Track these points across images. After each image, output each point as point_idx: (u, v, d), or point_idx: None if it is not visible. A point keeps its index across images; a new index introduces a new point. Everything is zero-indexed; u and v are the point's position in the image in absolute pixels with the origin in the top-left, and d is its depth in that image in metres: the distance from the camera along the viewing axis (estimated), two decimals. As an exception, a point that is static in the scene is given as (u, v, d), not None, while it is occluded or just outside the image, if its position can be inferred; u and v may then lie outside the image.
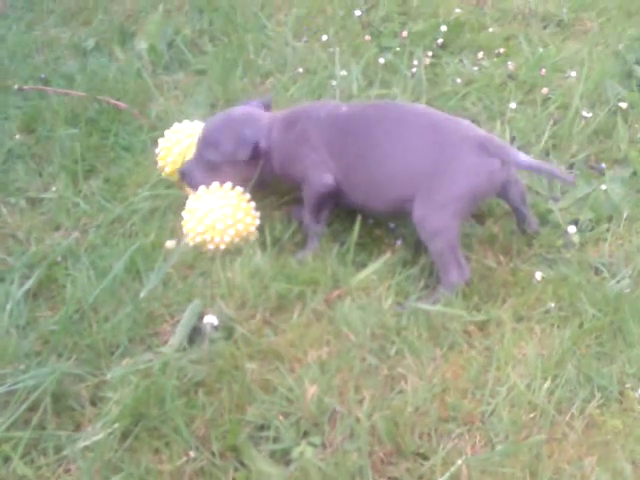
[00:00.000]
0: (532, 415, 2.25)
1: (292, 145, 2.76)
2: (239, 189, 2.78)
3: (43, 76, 3.76)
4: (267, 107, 2.96)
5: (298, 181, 2.80)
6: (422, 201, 2.57)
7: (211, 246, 2.71)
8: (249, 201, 2.78)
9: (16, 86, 3.68)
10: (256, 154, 2.77)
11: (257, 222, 2.79)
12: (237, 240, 2.72)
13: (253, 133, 2.78)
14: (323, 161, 2.71)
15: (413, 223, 2.60)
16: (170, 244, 2.73)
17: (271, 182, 2.90)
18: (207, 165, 2.81)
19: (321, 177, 2.71)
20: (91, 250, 2.78)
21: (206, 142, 2.82)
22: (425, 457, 2.16)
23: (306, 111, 2.83)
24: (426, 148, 2.58)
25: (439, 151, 2.56)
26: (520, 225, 2.81)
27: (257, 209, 2.81)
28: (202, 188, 2.78)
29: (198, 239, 2.71)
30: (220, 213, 2.70)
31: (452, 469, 2.10)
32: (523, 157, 2.59)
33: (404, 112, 2.72)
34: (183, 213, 2.77)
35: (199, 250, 2.71)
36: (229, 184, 2.77)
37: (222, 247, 2.71)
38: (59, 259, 2.73)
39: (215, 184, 2.77)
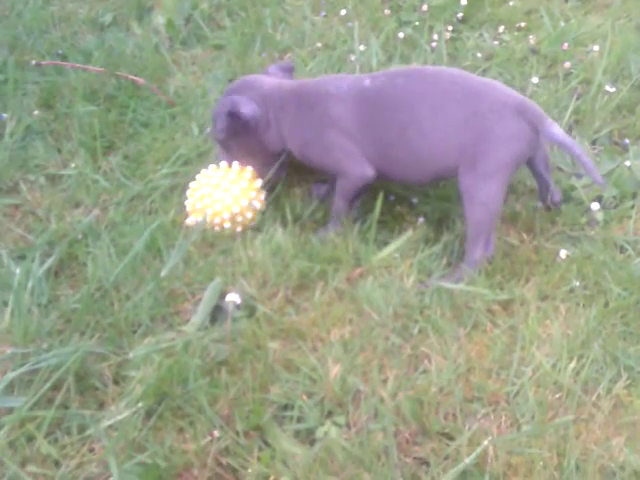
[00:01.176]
0: (558, 395, 2.23)
1: (313, 128, 2.69)
2: (242, 169, 2.75)
3: (60, 52, 3.75)
4: (287, 71, 2.90)
5: (326, 170, 2.76)
6: (468, 171, 2.54)
7: (216, 227, 2.70)
8: (252, 182, 2.75)
9: (33, 62, 3.66)
10: (244, 124, 2.70)
11: (258, 205, 2.75)
12: (239, 220, 2.71)
13: (231, 100, 2.69)
14: (357, 148, 2.64)
15: (459, 191, 2.57)
16: (190, 221, 2.70)
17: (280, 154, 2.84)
18: (218, 143, 2.79)
19: (362, 170, 2.65)
20: (111, 227, 2.77)
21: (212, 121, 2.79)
22: (451, 437, 2.15)
23: (323, 87, 2.72)
24: (466, 117, 2.53)
25: (479, 119, 2.52)
26: (542, 195, 2.78)
27: (267, 187, 2.79)
28: (210, 167, 2.77)
29: (199, 218, 2.69)
30: (216, 194, 2.69)
31: (478, 449, 2.08)
32: (557, 130, 2.54)
33: (437, 80, 2.63)
34: (187, 191, 2.77)
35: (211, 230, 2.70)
36: (236, 164, 2.75)
37: (226, 226, 2.69)
38: (80, 237, 2.72)
39: (223, 164, 2.75)
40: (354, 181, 2.67)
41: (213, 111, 2.78)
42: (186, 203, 2.75)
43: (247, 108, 2.68)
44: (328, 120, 2.66)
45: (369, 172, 2.65)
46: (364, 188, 2.70)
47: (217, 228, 2.70)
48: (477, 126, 2.52)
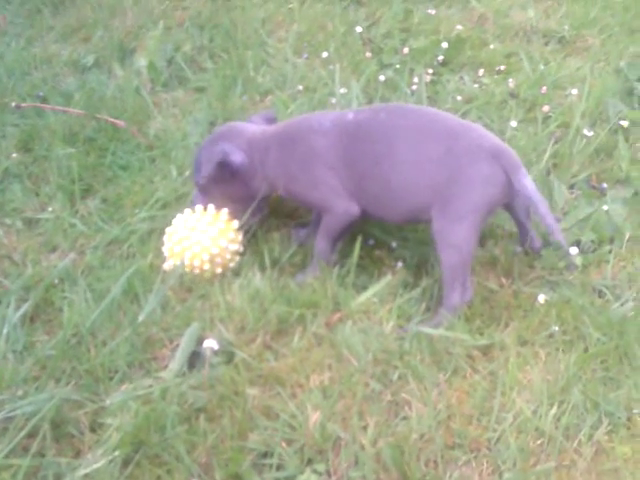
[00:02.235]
0: (539, 442, 2.22)
1: (298, 163, 2.69)
2: (218, 212, 2.74)
3: (41, 94, 3.74)
4: (270, 121, 2.90)
5: (312, 206, 2.77)
6: (440, 212, 2.53)
7: (196, 270, 2.69)
8: (229, 223, 2.74)
9: (13, 104, 3.66)
10: (231, 172, 2.71)
11: (235, 247, 2.74)
12: (218, 262, 2.69)
13: (221, 149, 2.69)
14: (341, 184, 2.63)
15: (431, 234, 2.56)
16: (168, 266, 2.69)
17: (264, 198, 2.84)
18: (199, 188, 2.78)
19: (347, 207, 2.65)
20: (88, 272, 2.75)
21: (193, 167, 2.79)
22: (431, 485, 2.13)
23: (306, 123, 2.74)
24: (441, 156, 2.53)
25: (454, 159, 2.52)
26: (523, 242, 2.78)
27: (246, 229, 2.79)
28: (185, 211, 2.76)
29: (178, 261, 2.68)
30: (194, 236, 2.68)
31: (459, 498, 2.07)
32: (529, 183, 2.53)
33: (417, 116, 2.65)
34: (164, 235, 2.76)
35: (190, 274, 2.69)
36: (212, 207, 2.73)
37: (206, 267, 2.68)
38: (56, 281, 2.70)
39: (198, 207, 2.74)
40: (339, 218, 2.67)
41: (196, 156, 2.78)
42: (163, 248, 2.73)
43: (237, 157, 2.69)
44: (312, 155, 2.66)
45: (354, 209, 2.65)
46: (349, 226, 2.70)
47: (197, 270, 2.69)
48: (451, 166, 2.52)
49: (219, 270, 2.70)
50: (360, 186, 2.63)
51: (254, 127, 2.81)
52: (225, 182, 2.73)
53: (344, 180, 2.63)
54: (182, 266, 2.65)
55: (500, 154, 2.54)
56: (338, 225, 2.68)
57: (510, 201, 2.65)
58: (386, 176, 2.59)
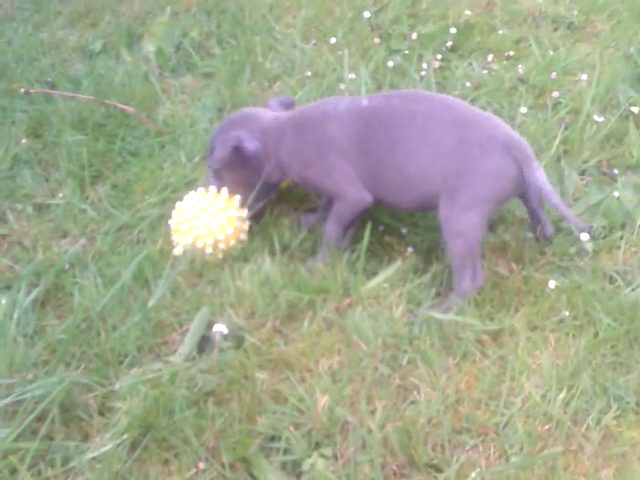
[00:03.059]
0: (547, 426, 2.22)
1: (312, 149, 2.68)
2: (231, 197, 2.74)
3: (49, 79, 3.74)
4: (288, 106, 2.91)
5: (324, 192, 2.76)
6: (448, 200, 2.52)
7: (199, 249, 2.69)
8: (239, 211, 2.74)
9: (22, 90, 3.66)
10: (244, 157, 2.71)
11: (241, 235, 2.75)
12: (221, 247, 2.70)
13: (236, 135, 2.71)
14: (355, 171, 2.63)
15: (438, 221, 2.56)
16: (178, 251, 2.69)
17: (281, 188, 2.87)
18: (212, 173, 2.78)
19: (360, 194, 2.64)
20: (98, 257, 2.76)
21: (207, 152, 2.80)
22: (439, 469, 2.13)
23: (320, 109, 2.74)
24: (453, 144, 2.52)
25: (466, 148, 2.51)
26: (535, 230, 2.77)
27: (255, 217, 2.80)
28: (199, 190, 2.76)
29: (181, 239, 2.69)
30: (203, 218, 2.69)
31: (466, 482, 2.07)
32: (541, 175, 2.52)
33: (432, 104, 2.63)
34: (173, 210, 2.76)
35: (202, 256, 2.69)
36: (225, 191, 2.74)
37: (208, 251, 2.68)
38: (66, 267, 2.71)
39: (212, 189, 2.74)
40: (351, 205, 2.67)
41: (211, 140, 2.79)
42: (170, 222, 2.74)
43: (251, 144, 2.70)
44: (326, 141, 2.66)
45: (367, 197, 2.65)
46: (360, 214, 2.70)
47: (197, 252, 2.69)
48: (462, 155, 2.52)
49: (220, 256, 2.70)
50: (373, 172, 2.62)
51: (269, 113, 2.82)
52: (238, 168, 2.74)
53: (357, 166, 2.63)
54: (192, 251, 2.65)
55: (513, 145, 2.53)
56: (349, 212, 2.68)
57: (523, 191, 2.64)
58: (399, 162, 2.58)
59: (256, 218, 2.80)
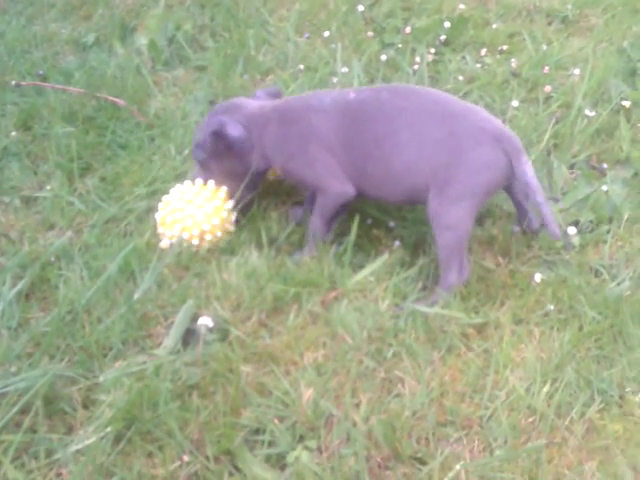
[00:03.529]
0: (531, 419, 2.23)
1: (295, 141, 2.68)
2: (217, 189, 2.74)
3: (41, 72, 3.73)
4: (275, 96, 2.89)
5: (307, 185, 2.75)
6: (437, 193, 2.52)
7: (185, 241, 2.69)
8: (225, 202, 2.74)
9: (13, 82, 3.65)
10: (228, 145, 2.70)
11: (227, 226, 2.75)
12: (208, 238, 2.69)
13: (219, 120, 2.69)
14: (338, 164, 2.63)
15: (427, 214, 2.56)
16: (165, 244, 2.69)
17: (266, 180, 2.87)
18: (199, 165, 2.78)
19: (342, 187, 2.64)
20: (85, 250, 2.75)
21: (193, 142, 2.80)
22: (423, 462, 2.14)
23: (305, 102, 2.74)
24: (442, 137, 2.52)
25: (455, 141, 2.51)
26: (521, 223, 2.77)
27: (241, 208, 2.79)
28: (185, 182, 2.77)
29: (167, 231, 2.70)
30: (189, 209, 2.69)
31: (450, 474, 2.08)
32: (529, 170, 2.52)
33: (420, 97, 2.64)
34: (160, 203, 2.76)
35: (188, 249, 2.69)
36: (212, 183, 2.74)
37: (194, 242, 2.68)
38: (52, 259, 2.70)
39: (198, 181, 2.74)
40: (333, 198, 2.66)
41: (196, 130, 2.78)
42: (156, 215, 2.74)
43: (233, 129, 2.69)
44: (310, 133, 2.65)
45: (349, 190, 2.65)
46: (343, 207, 2.70)
47: (184, 244, 2.69)
48: (451, 148, 2.51)
49: (206, 246, 2.70)
50: (359, 166, 2.62)
51: (256, 103, 2.80)
52: (222, 155, 2.73)
53: (342, 160, 2.63)
54: (179, 244, 2.65)
55: (503, 138, 2.53)
56: (332, 205, 2.68)
57: (509, 183, 2.64)
58: (387, 156, 2.58)
59: (243, 210, 2.80)
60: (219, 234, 2.71)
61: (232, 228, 2.76)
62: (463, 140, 2.52)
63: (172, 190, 2.76)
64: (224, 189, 2.74)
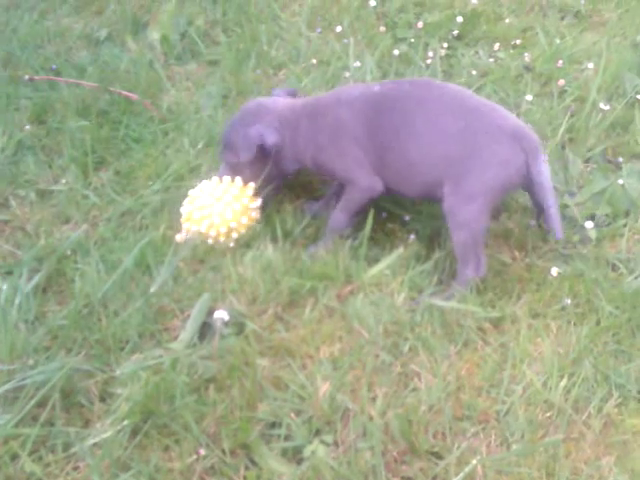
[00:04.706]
0: (549, 414, 2.22)
1: (326, 134, 2.69)
2: (245, 186, 2.74)
3: (54, 67, 3.72)
4: (293, 96, 2.91)
5: (337, 177, 2.75)
6: (452, 189, 2.53)
7: (210, 239, 2.69)
8: (253, 200, 2.74)
9: (27, 77, 3.65)
10: (265, 152, 2.71)
11: (252, 223, 2.74)
12: (234, 236, 2.70)
13: (258, 132, 2.69)
14: (366, 156, 2.63)
15: (442, 211, 2.56)
16: (180, 238, 2.69)
17: (291, 174, 2.87)
18: (229, 166, 2.77)
19: (371, 182, 2.65)
20: (101, 243, 2.75)
21: (222, 144, 2.79)
22: (439, 456, 2.13)
23: (335, 96, 2.75)
24: (459, 131, 2.53)
25: (472, 137, 2.52)
26: (538, 217, 2.76)
27: (262, 205, 2.79)
28: (213, 178, 2.76)
29: (194, 226, 2.69)
30: (218, 206, 2.68)
31: (467, 469, 2.07)
32: (545, 169, 2.53)
33: (441, 91, 2.64)
34: (186, 198, 2.76)
35: (204, 243, 2.69)
36: (239, 180, 2.73)
37: (221, 240, 2.68)
38: (68, 253, 2.70)
39: (226, 178, 2.74)
40: (362, 192, 2.67)
41: (227, 133, 2.78)
42: (182, 210, 2.74)
43: (272, 138, 2.70)
44: (339, 126, 2.66)
45: (378, 185, 2.66)
46: (369, 202, 2.69)
47: (211, 240, 2.69)
48: (468, 143, 2.51)
49: (232, 244, 2.70)
50: (381, 158, 2.63)
51: (282, 102, 2.81)
52: (258, 163, 2.73)
53: (368, 152, 2.64)
54: (195, 237, 2.66)
55: (521, 136, 2.53)
56: (360, 199, 2.68)
57: (529, 183, 2.62)
58: (404, 147, 2.59)
59: (263, 207, 2.80)
60: (243, 232, 2.72)
61: (256, 225, 2.76)
62: (479, 135, 2.52)
63: (200, 185, 2.76)
64: (251, 186, 2.74)
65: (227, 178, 2.74)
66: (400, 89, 2.66)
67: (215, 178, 2.76)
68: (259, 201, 2.75)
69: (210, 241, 2.69)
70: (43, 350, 2.34)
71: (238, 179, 2.74)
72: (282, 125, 2.74)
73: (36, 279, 2.55)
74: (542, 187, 2.54)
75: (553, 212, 2.54)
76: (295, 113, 2.75)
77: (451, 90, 2.68)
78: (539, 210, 2.73)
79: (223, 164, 2.81)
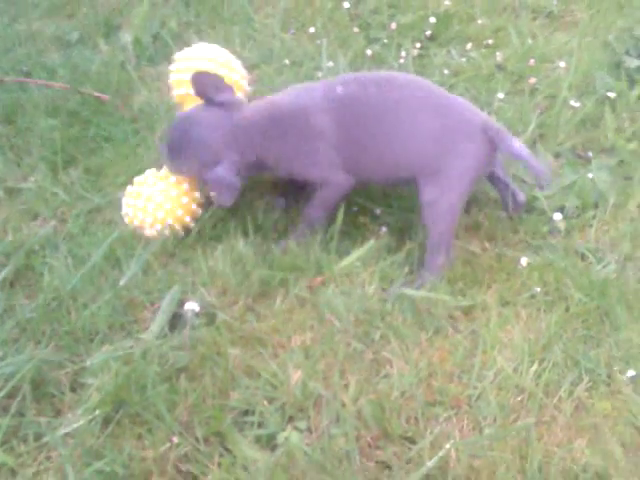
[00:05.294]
0: (520, 398, 2.22)
1: (294, 146, 2.63)
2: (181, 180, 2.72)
3: (25, 69, 3.71)
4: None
5: (313, 181, 2.69)
6: (431, 183, 2.55)
7: (147, 227, 2.69)
8: (189, 193, 2.72)
9: (-3, 78, 3.64)
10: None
11: (187, 217, 2.72)
12: (167, 225, 2.67)
13: (218, 178, 2.58)
14: (338, 157, 2.62)
15: (419, 204, 2.58)
16: (150, 232, 2.67)
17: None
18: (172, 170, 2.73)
19: (343, 179, 2.64)
20: (69, 239, 2.73)
21: (170, 150, 2.70)
22: (413, 441, 2.13)
23: (295, 102, 2.66)
24: (436, 132, 2.55)
25: (448, 133, 2.55)
26: (505, 202, 2.78)
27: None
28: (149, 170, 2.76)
29: (130, 212, 2.69)
30: (155, 196, 2.68)
31: (440, 453, 2.06)
32: (517, 144, 2.58)
33: (408, 90, 2.62)
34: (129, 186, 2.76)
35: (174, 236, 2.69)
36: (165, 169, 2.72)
37: (157, 227, 2.67)
38: (36, 248, 2.68)
39: (152, 170, 2.75)
40: (337, 190, 2.66)
41: (171, 138, 2.69)
42: (122, 198, 2.75)
43: (234, 178, 2.59)
44: (310, 132, 2.62)
45: (350, 181, 2.66)
46: (343, 197, 2.69)
47: (147, 228, 2.68)
48: (445, 141, 2.54)
49: (166, 232, 2.68)
50: (354, 159, 2.63)
51: (239, 113, 2.66)
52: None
53: (339, 152, 2.62)
54: (165, 231, 2.65)
55: (488, 127, 2.57)
56: (335, 197, 2.68)
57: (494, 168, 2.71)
58: (380, 149, 2.60)
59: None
60: (171, 221, 2.69)
61: (196, 217, 2.74)
62: (455, 132, 2.56)
63: (146, 172, 2.76)
64: (188, 180, 2.71)
65: (165, 169, 2.73)
66: (368, 93, 2.61)
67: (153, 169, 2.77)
68: (197, 194, 2.74)
69: (148, 230, 2.68)
70: (12, 342, 2.32)
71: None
72: (237, 138, 2.63)
73: (4, 273, 2.54)
74: (526, 162, 2.60)
75: (531, 162, 2.59)
76: (253, 124, 2.64)
77: (417, 86, 2.67)
78: (504, 190, 2.78)
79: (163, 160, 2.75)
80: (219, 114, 2.66)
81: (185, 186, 2.70)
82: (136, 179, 2.75)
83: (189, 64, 2.89)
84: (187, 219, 2.71)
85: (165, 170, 2.72)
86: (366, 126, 2.60)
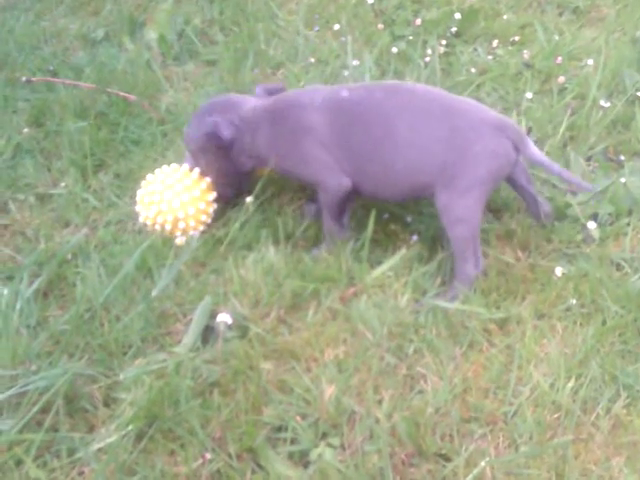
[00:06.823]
0: (556, 415, 2.20)
1: (288, 140, 2.66)
2: (200, 178, 2.76)
3: (51, 68, 3.71)
4: (275, 92, 2.83)
5: (305, 181, 2.74)
6: (446, 188, 2.52)
7: (157, 226, 2.72)
8: (205, 193, 2.76)
9: (24, 78, 3.63)
10: (218, 144, 2.69)
11: (203, 217, 2.76)
12: (181, 226, 2.71)
13: (212, 122, 2.68)
14: (333, 159, 2.61)
15: (437, 209, 2.55)
16: (180, 240, 2.68)
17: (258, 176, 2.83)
18: (189, 152, 2.80)
19: (338, 180, 2.62)
20: (101, 247, 2.74)
21: (185, 130, 2.82)
22: (447, 458, 2.12)
23: (295, 100, 2.71)
24: (445, 134, 2.52)
25: (459, 136, 2.51)
26: (532, 211, 2.75)
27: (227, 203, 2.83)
28: (172, 165, 2.81)
29: (144, 212, 2.73)
30: (167, 194, 2.71)
31: (475, 471, 2.06)
32: (535, 150, 2.57)
33: (415, 95, 2.62)
34: (143, 181, 2.79)
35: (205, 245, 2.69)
36: (197, 171, 2.76)
37: (167, 228, 2.71)
38: (69, 257, 2.68)
39: (185, 166, 2.78)
40: (332, 192, 2.64)
41: (192, 119, 2.80)
42: (137, 192, 2.77)
43: (226, 132, 2.68)
44: (303, 131, 2.63)
45: (345, 182, 2.63)
46: (344, 199, 2.67)
47: (157, 227, 2.71)
48: (456, 143, 2.51)
49: (178, 234, 2.71)
50: (359, 167, 2.61)
51: (250, 102, 2.77)
52: (212, 154, 2.73)
53: (337, 157, 2.61)
54: (196, 240, 2.66)
55: (505, 126, 2.55)
56: (333, 199, 2.66)
57: (511, 172, 2.64)
58: (388, 158, 2.57)
59: (227, 204, 2.83)
60: (192, 224, 2.73)
61: (208, 220, 2.77)
62: (467, 134, 2.52)
63: (157, 170, 2.78)
64: (207, 180, 2.76)
65: (185, 167, 2.76)
66: (372, 98, 2.62)
67: (174, 165, 2.79)
68: (212, 195, 2.76)
69: (158, 227, 2.71)
70: (45, 355, 2.32)
71: (196, 170, 2.76)
72: (242, 124, 2.71)
73: (37, 284, 2.54)
74: (543, 164, 2.59)
75: (567, 174, 2.62)
76: (256, 114, 2.72)
77: (423, 92, 2.67)
78: (530, 201, 2.74)
79: (186, 151, 2.84)
80: (247, 98, 2.83)
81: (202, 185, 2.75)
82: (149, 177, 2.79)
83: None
84: (202, 217, 2.75)
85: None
86: (371, 134, 2.58)
